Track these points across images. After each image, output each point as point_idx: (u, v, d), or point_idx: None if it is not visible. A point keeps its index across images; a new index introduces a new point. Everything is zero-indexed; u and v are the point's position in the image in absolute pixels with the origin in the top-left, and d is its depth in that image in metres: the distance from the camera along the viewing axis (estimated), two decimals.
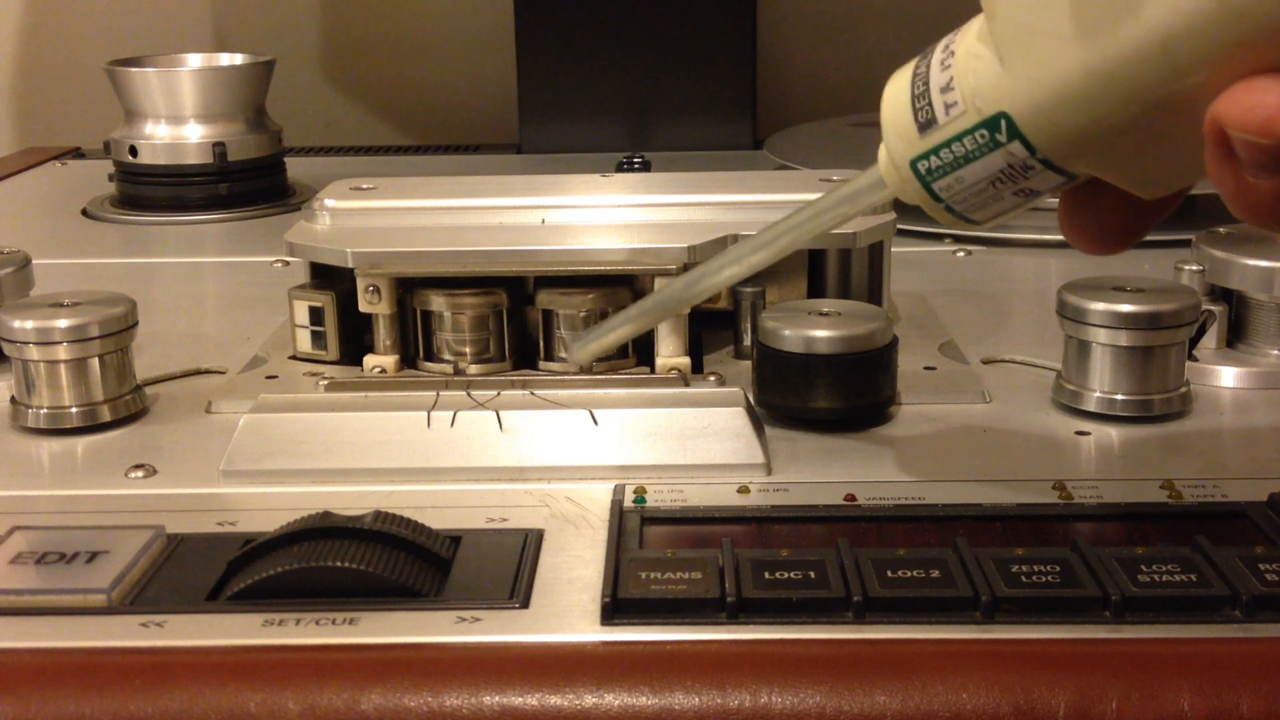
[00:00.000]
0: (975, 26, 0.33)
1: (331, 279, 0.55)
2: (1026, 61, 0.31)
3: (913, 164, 0.34)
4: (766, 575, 0.36)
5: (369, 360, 0.53)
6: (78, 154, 1.11)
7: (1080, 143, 0.32)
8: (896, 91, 0.35)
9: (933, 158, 0.34)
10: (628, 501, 0.42)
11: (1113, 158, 0.32)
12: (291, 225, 0.57)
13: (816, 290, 0.56)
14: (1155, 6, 0.29)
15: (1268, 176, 0.30)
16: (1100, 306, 0.48)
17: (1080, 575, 0.36)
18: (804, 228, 0.37)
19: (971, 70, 0.32)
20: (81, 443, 0.49)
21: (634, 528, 0.40)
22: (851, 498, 0.43)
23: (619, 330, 0.41)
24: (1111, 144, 0.32)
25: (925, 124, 0.33)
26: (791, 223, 0.37)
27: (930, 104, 0.33)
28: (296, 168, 0.97)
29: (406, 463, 0.45)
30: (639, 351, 0.53)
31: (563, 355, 0.53)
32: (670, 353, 0.52)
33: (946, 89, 0.33)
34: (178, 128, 0.88)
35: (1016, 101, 0.32)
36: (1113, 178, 0.33)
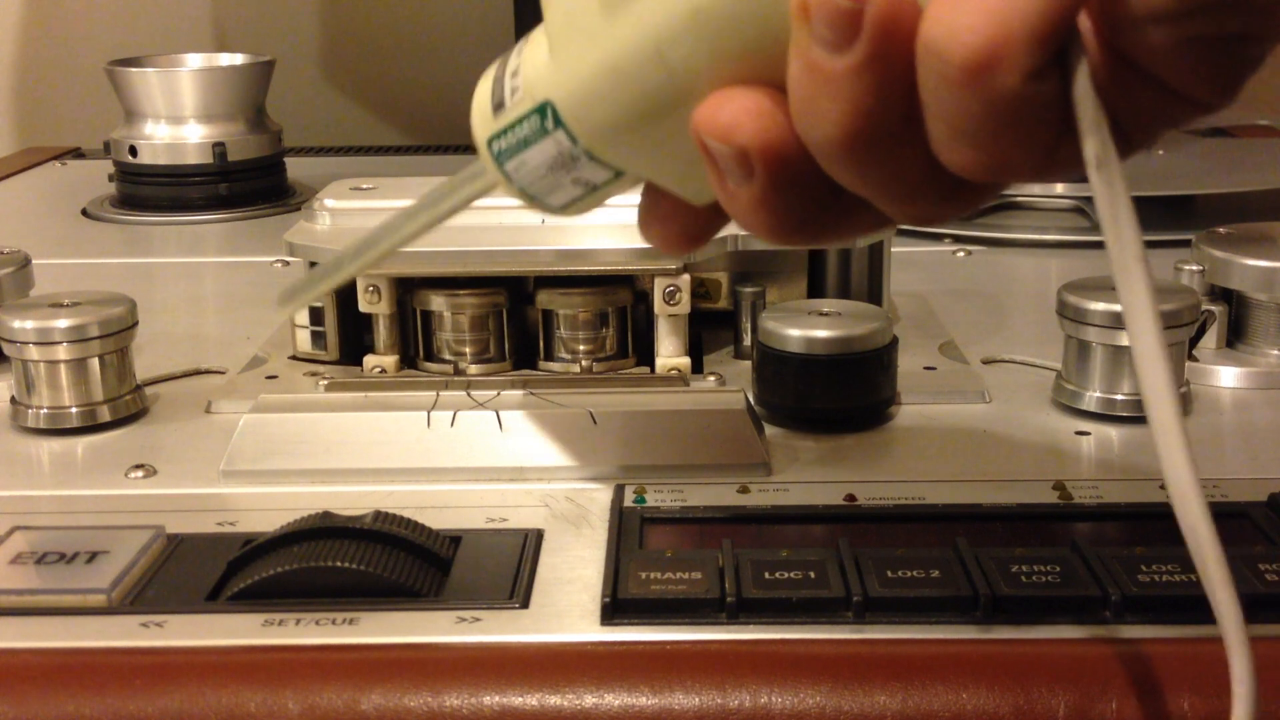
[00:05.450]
0: None
1: None
2: (564, 52, 0.32)
3: (488, 144, 0.34)
4: (766, 575, 0.36)
5: (369, 360, 0.53)
6: (78, 154, 1.11)
7: (610, 137, 0.32)
8: (487, 74, 0.35)
9: (502, 139, 0.34)
10: (628, 501, 0.42)
11: (644, 157, 0.32)
12: (291, 225, 0.57)
13: (816, 290, 0.56)
14: (648, 6, 0.29)
15: (739, 185, 0.30)
16: (1100, 306, 0.48)
17: (1080, 575, 0.36)
18: (434, 209, 0.37)
19: (531, 57, 0.33)
20: (81, 443, 0.49)
21: (634, 528, 0.40)
22: (851, 498, 0.43)
23: (314, 288, 0.41)
24: (638, 142, 0.32)
25: (497, 105, 0.34)
26: (424, 203, 0.37)
27: (503, 87, 0.34)
28: (296, 168, 0.96)
29: (406, 463, 0.45)
30: (639, 351, 0.53)
31: (563, 355, 0.53)
32: (670, 353, 0.52)
33: (515, 74, 0.33)
34: (178, 128, 0.88)
35: (557, 90, 0.32)
36: (653, 178, 0.34)
